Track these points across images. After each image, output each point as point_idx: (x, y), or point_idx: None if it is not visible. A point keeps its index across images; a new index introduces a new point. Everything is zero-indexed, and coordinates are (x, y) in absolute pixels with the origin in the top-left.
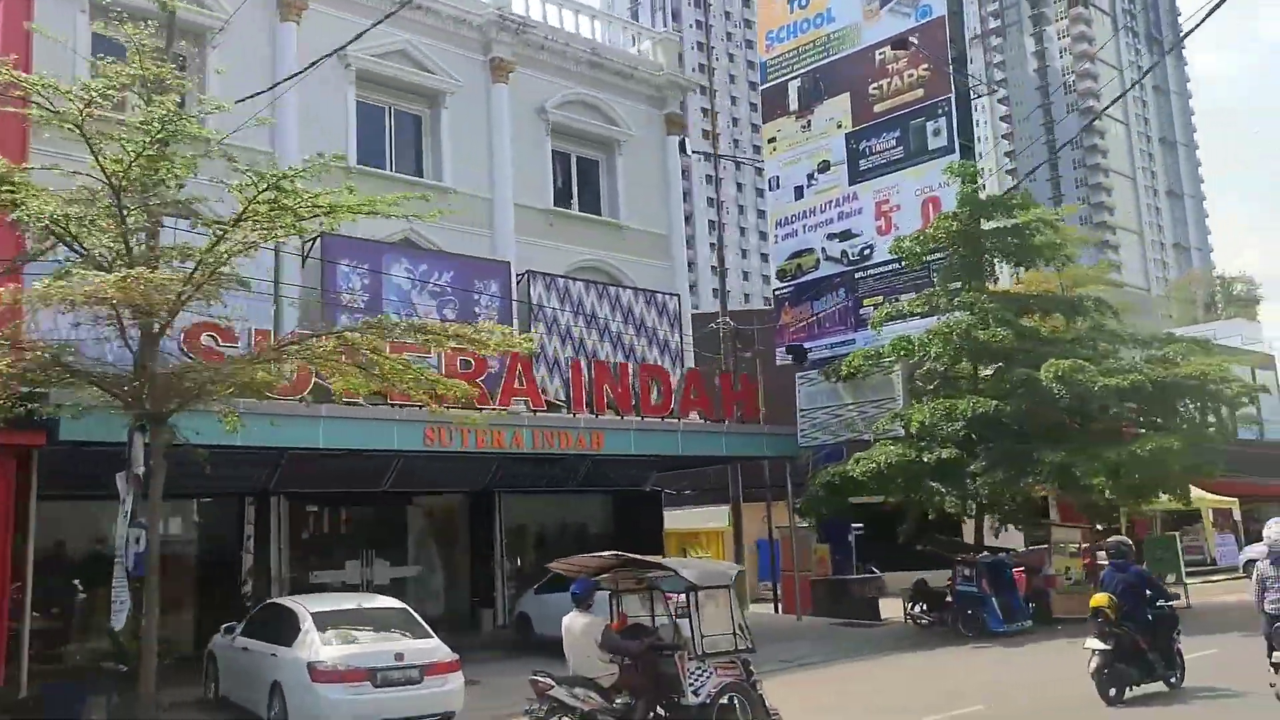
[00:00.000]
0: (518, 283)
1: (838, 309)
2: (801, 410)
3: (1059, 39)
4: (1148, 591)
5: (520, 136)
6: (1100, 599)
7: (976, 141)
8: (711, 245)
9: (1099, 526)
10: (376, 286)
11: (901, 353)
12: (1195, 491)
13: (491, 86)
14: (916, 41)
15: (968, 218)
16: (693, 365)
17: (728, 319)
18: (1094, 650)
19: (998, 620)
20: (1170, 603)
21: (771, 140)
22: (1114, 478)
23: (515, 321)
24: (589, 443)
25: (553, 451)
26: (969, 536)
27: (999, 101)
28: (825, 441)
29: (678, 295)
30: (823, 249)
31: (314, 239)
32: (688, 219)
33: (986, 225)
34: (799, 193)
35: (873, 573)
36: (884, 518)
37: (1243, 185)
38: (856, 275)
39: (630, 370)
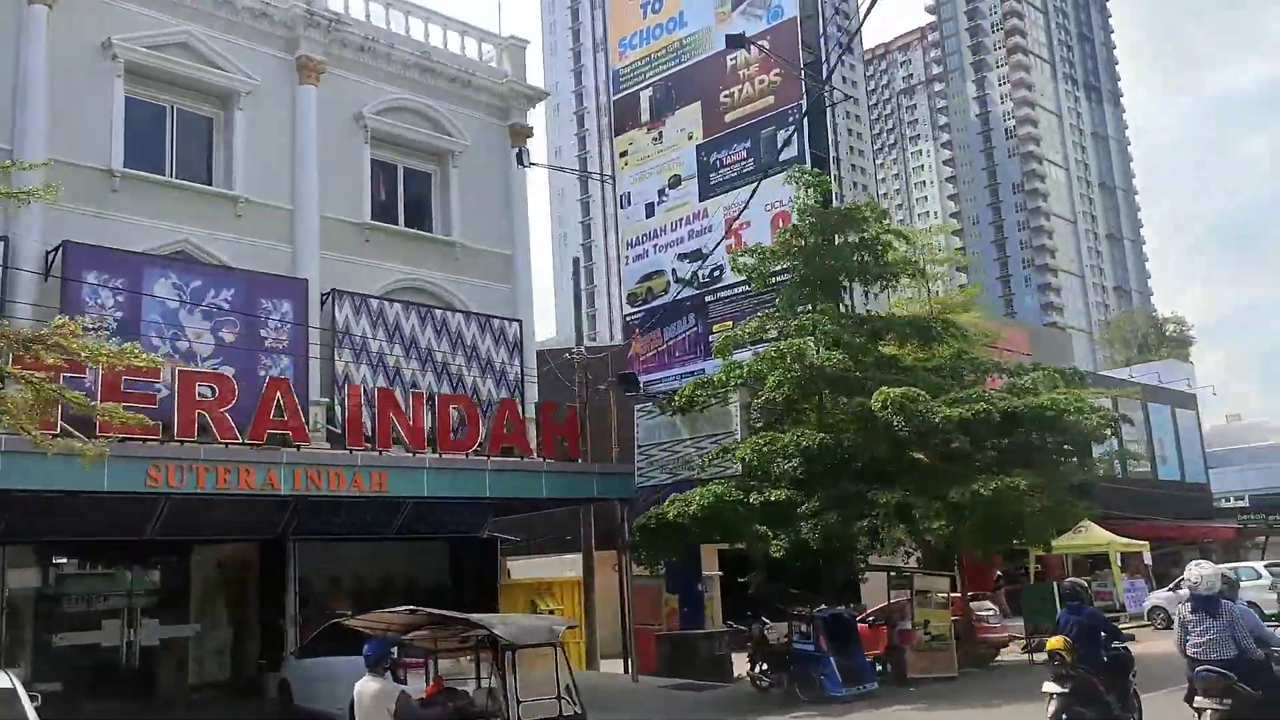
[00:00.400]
0: (322, 304)
1: (688, 335)
2: (640, 446)
3: (999, 85)
4: (1103, 633)
5: (333, 144)
6: (1055, 642)
7: (905, 175)
8: None
9: (998, 574)
10: (135, 305)
11: (737, 381)
12: (1104, 534)
13: (299, 88)
14: (766, 44)
15: (811, 231)
16: (536, 398)
17: (583, 349)
18: (1051, 694)
19: (835, 683)
20: (1125, 644)
21: (624, 154)
22: (957, 520)
23: (317, 346)
24: (369, 483)
25: (321, 493)
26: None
27: (942, 146)
28: (663, 480)
29: (519, 321)
30: (673, 270)
31: (57, 249)
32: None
33: (840, 240)
34: (650, 210)
35: (763, 624)
36: (776, 563)
37: (1183, 232)
38: (706, 299)
39: (427, 400)
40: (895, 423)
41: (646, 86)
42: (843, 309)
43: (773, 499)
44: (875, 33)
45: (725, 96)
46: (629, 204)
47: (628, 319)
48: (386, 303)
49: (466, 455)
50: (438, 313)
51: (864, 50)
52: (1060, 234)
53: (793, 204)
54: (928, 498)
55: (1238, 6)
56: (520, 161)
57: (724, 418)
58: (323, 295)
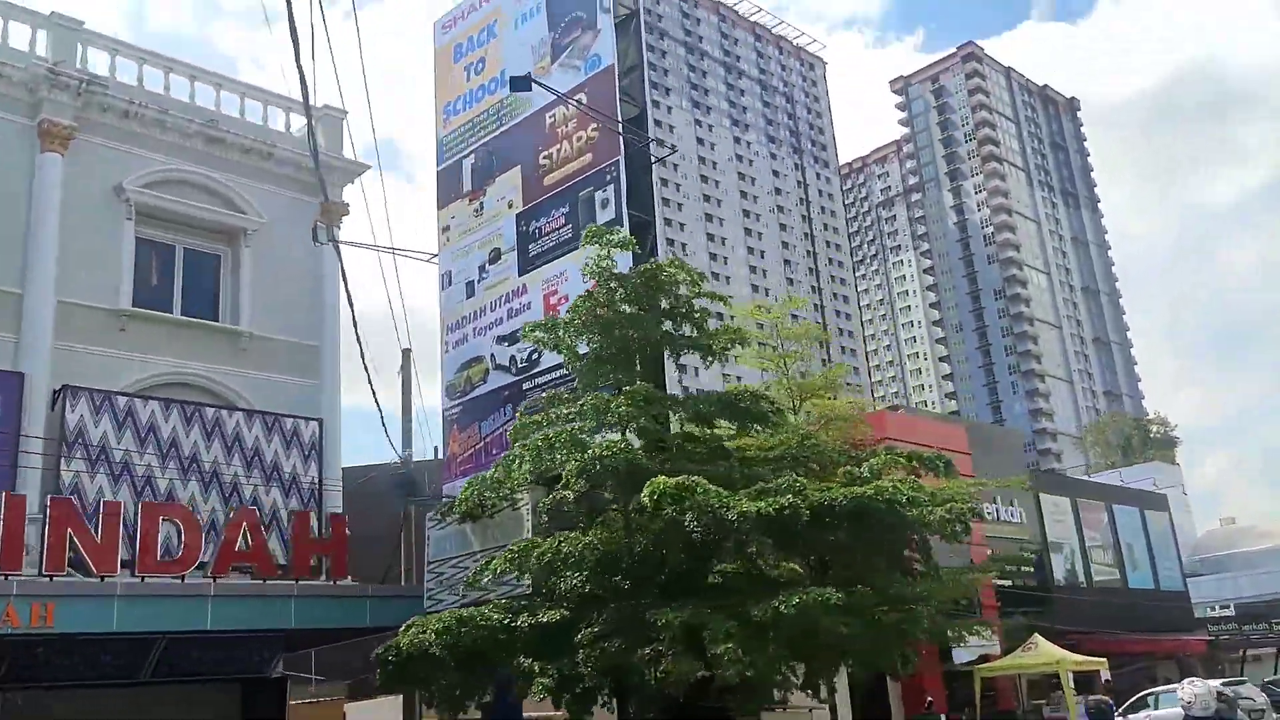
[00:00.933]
0: (53, 403)
1: (505, 429)
2: (429, 563)
3: (975, 193)
4: None
5: (84, 219)
6: None
7: (892, 287)
8: None
9: (929, 700)
10: None
11: (522, 479)
12: (1054, 651)
13: (40, 155)
14: (583, 98)
15: (611, 298)
16: (338, 509)
17: (409, 455)
18: None
19: None
20: None
21: (445, 229)
22: (755, 643)
23: (36, 453)
24: (26, 618)
25: None
26: None
27: (922, 255)
28: (450, 603)
29: (319, 421)
30: (492, 355)
31: None
32: None
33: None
34: (470, 289)
35: None
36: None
37: (1177, 337)
38: (524, 386)
39: (128, 510)
40: (687, 521)
41: (469, 154)
42: (662, 388)
43: (545, 620)
44: (852, 148)
45: (544, 158)
46: (450, 284)
47: (446, 415)
48: (139, 400)
49: (182, 580)
50: (209, 411)
51: (840, 165)
52: (1045, 339)
53: (584, 270)
54: (724, 615)
55: (1212, 119)
56: (315, 238)
57: (515, 524)
58: (54, 392)
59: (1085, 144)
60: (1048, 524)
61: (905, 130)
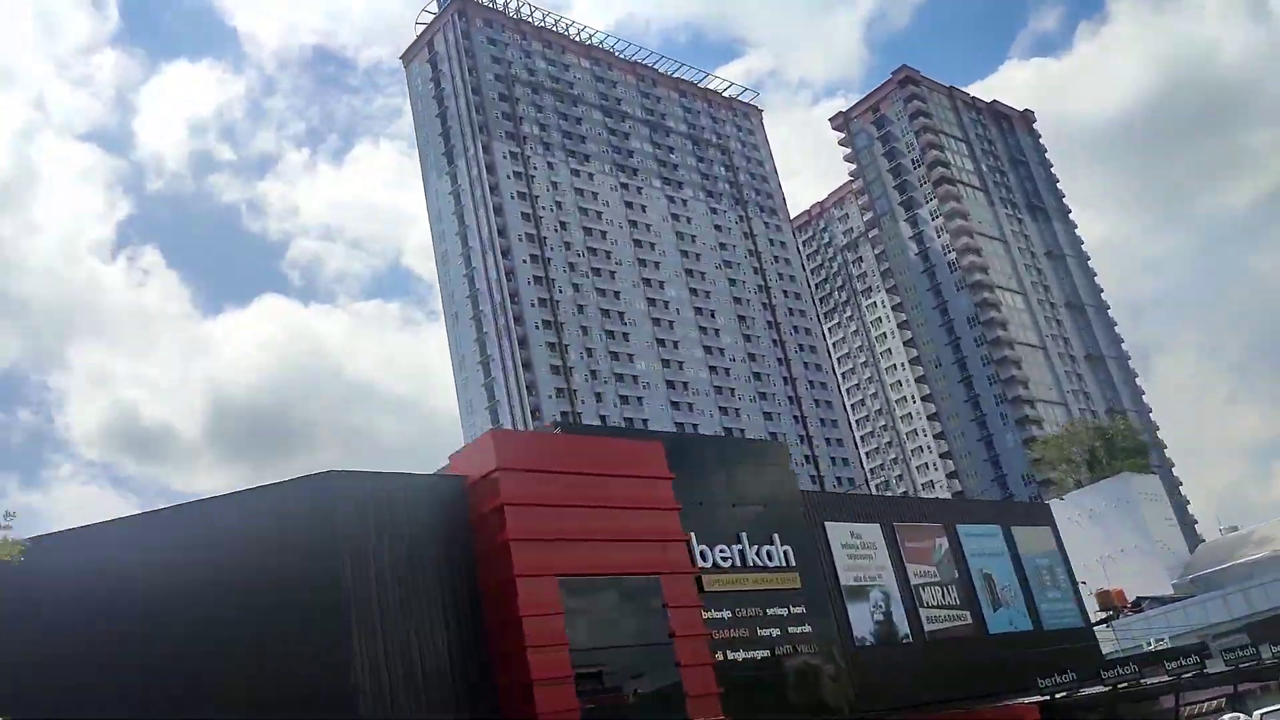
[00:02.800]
0: None
1: None
2: None
3: (932, 219)
4: None
5: None
6: None
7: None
8: None
9: None
10: None
11: None
12: None
13: None
14: None
15: None
16: None
17: None
18: None
19: None
20: None
21: None
22: None
23: None
24: None
25: None
26: None
27: (889, 292)
28: None
29: None
30: None
31: None
32: None
33: None
34: None
35: None
36: None
37: (1220, 354)
38: None
39: None
40: None
41: None
42: None
43: None
44: (807, 194)
45: None
46: None
47: None
48: None
49: None
50: None
51: (797, 214)
52: (1030, 362)
53: None
54: None
55: (1211, 128)
56: None
57: None
58: None
59: (1047, 155)
60: (840, 563)
61: (852, 167)
